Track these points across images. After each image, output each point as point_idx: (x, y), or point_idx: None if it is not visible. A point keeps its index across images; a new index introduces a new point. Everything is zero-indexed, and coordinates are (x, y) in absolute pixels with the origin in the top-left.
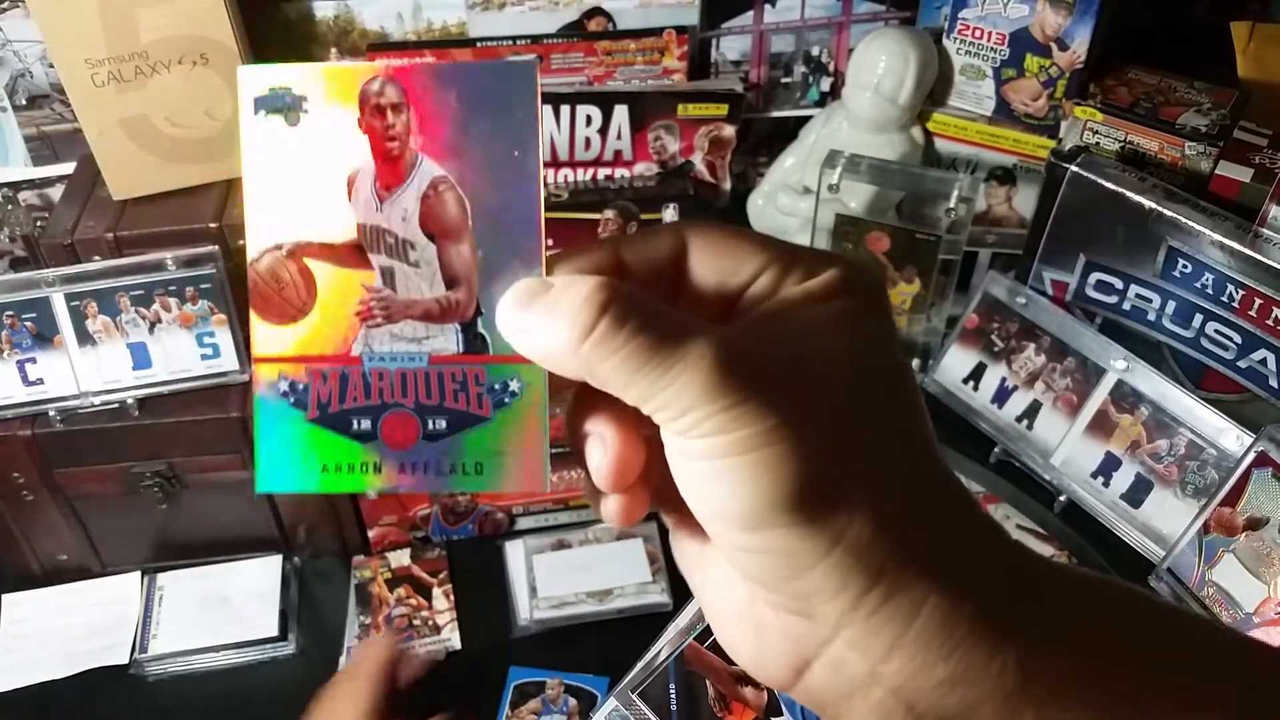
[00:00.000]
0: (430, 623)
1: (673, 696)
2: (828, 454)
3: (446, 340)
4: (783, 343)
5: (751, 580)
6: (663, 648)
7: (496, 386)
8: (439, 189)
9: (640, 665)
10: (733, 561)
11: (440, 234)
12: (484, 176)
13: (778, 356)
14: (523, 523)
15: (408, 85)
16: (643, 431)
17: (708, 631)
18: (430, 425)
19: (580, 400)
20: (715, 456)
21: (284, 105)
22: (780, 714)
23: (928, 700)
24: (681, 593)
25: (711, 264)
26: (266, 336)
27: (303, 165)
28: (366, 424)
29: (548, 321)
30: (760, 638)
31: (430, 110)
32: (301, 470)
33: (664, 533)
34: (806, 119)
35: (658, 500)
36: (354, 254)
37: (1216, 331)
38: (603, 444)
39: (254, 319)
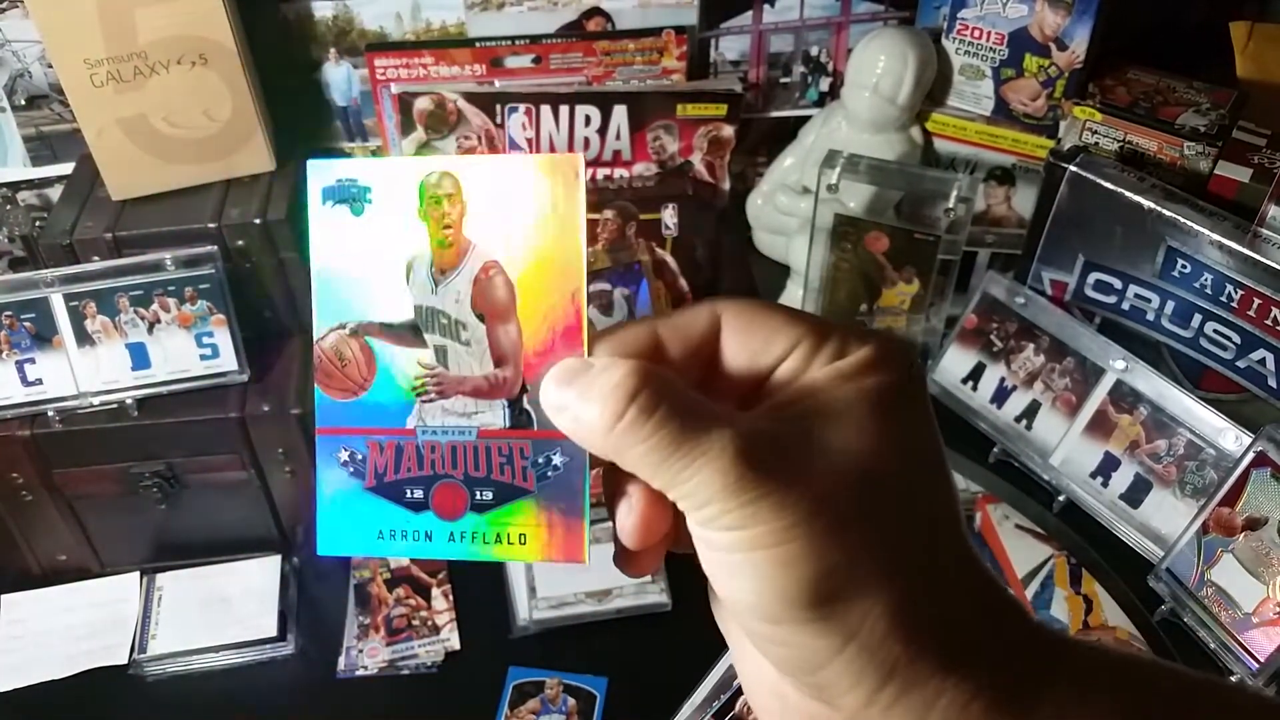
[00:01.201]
0: (429, 623)
1: None
2: (844, 551)
3: (494, 415)
4: (805, 430)
5: (776, 662)
6: None
7: (540, 460)
8: (489, 273)
9: None
10: (754, 645)
11: (489, 315)
12: (530, 262)
13: (800, 445)
14: None
15: (463, 177)
16: (669, 501)
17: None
18: (478, 496)
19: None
20: (734, 550)
21: (350, 196)
22: None
23: None
24: (681, 593)
25: (742, 341)
26: (329, 409)
27: (366, 251)
28: (419, 493)
29: (583, 403)
30: (785, 710)
31: (482, 200)
32: (360, 535)
33: None
34: (805, 119)
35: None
36: (410, 333)
37: (1215, 331)
38: (629, 506)
39: (318, 392)
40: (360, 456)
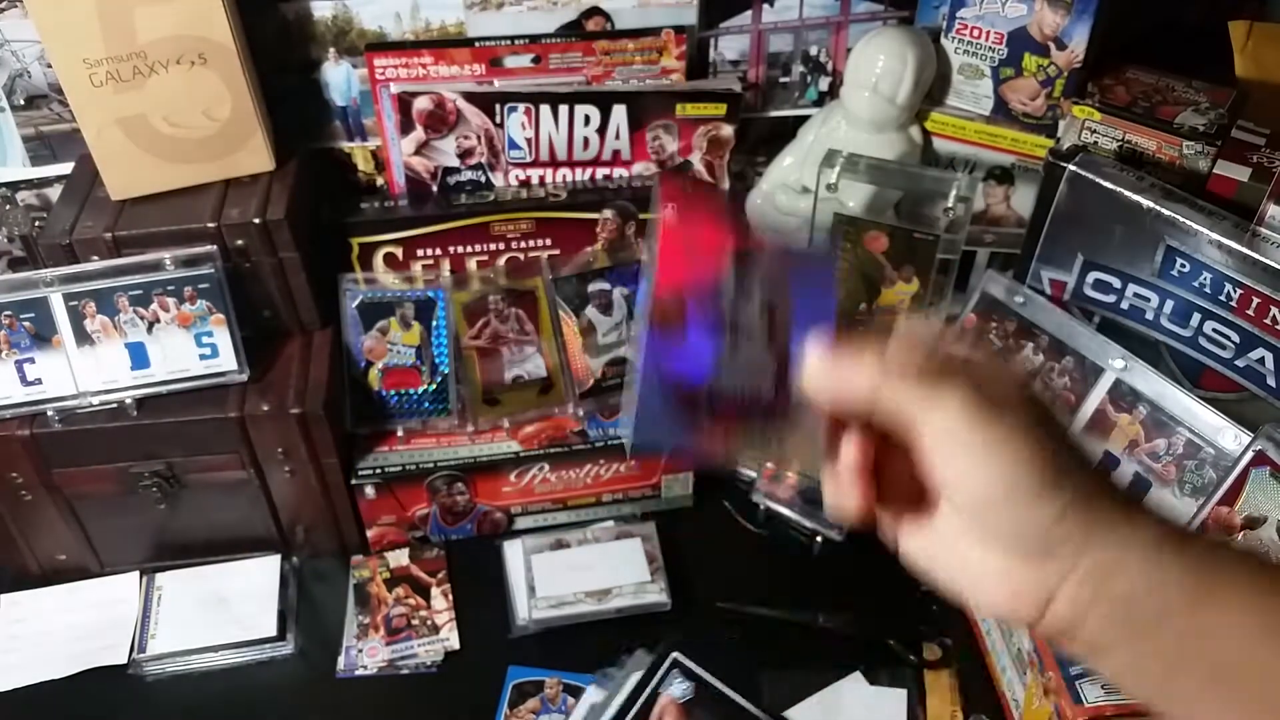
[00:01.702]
0: (429, 622)
1: None
2: (1053, 446)
3: None
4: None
5: (1008, 541)
6: None
7: None
8: None
9: None
10: (992, 531)
11: None
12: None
13: (987, 393)
14: (521, 522)
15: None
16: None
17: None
18: None
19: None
20: (990, 450)
21: None
22: None
23: (1139, 606)
24: (680, 593)
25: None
26: None
27: None
28: None
29: (851, 369)
30: (1013, 591)
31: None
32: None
33: (662, 533)
34: (805, 118)
35: (896, 516)
36: None
37: (1214, 330)
38: (850, 445)
39: None
40: None
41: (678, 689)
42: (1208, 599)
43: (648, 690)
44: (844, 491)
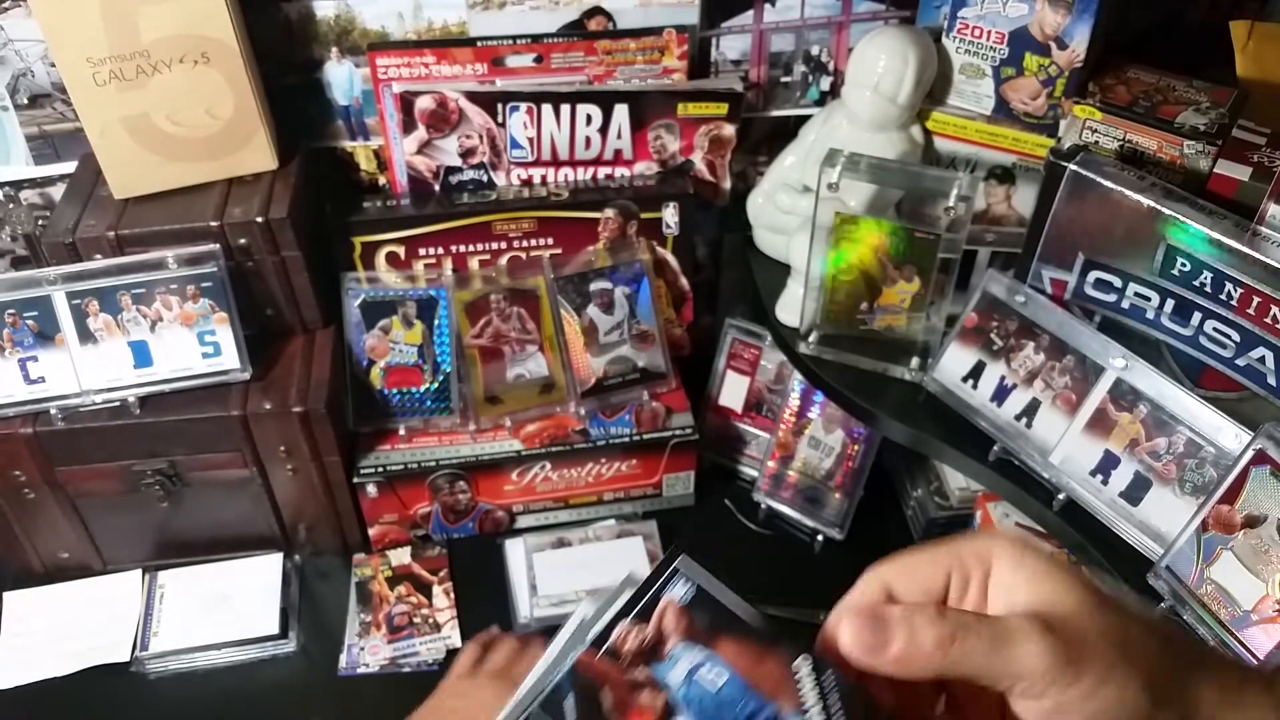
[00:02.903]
0: (430, 620)
1: (569, 712)
2: (1143, 658)
3: None
4: (1046, 606)
5: None
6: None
7: None
8: None
9: (526, 689)
10: None
11: None
12: None
13: (1056, 613)
14: (523, 521)
15: None
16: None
17: (599, 640)
18: None
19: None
20: (1084, 700)
21: None
22: (676, 715)
23: None
24: None
25: (911, 588)
26: None
27: None
28: None
29: (908, 633)
30: None
31: None
32: None
33: (663, 532)
34: (806, 118)
35: None
36: None
37: (1215, 330)
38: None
39: None
40: None
41: (680, 590)
42: None
43: (651, 591)
44: None
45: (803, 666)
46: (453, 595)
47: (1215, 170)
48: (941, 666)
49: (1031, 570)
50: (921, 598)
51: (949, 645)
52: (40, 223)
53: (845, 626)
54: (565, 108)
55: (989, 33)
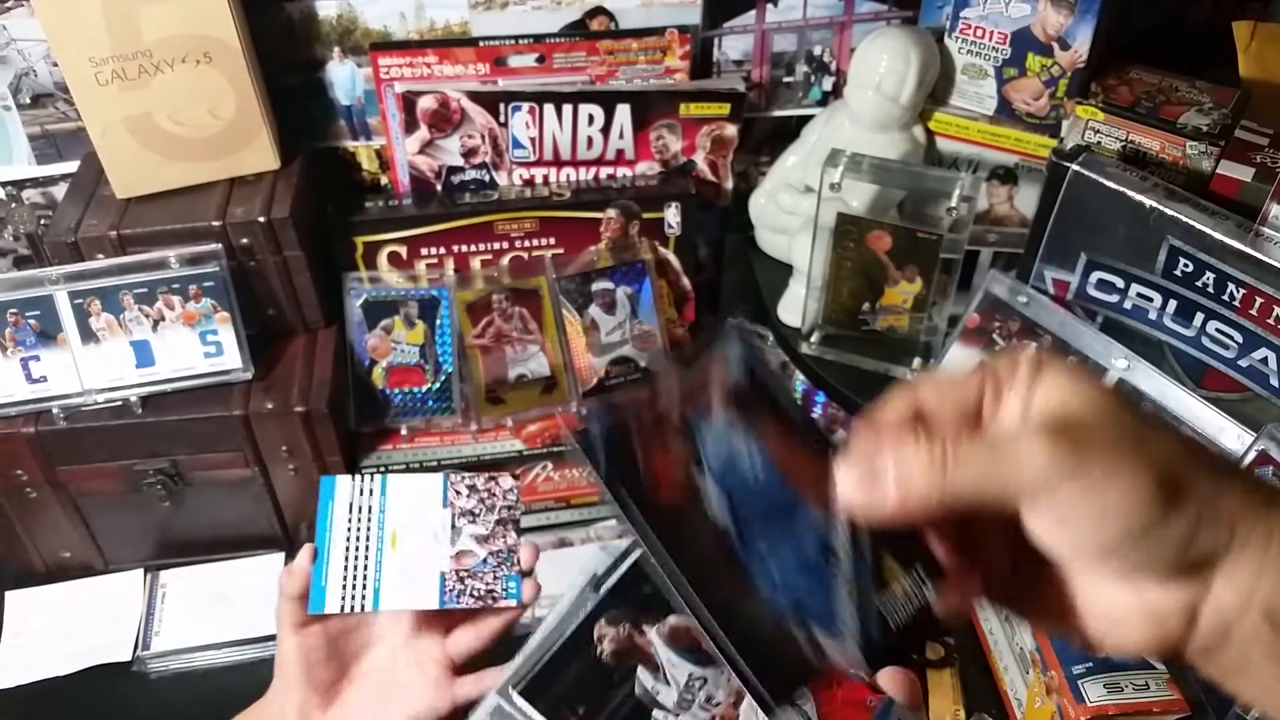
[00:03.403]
0: None
1: (597, 441)
2: (1159, 455)
3: None
4: (1061, 410)
5: (1150, 575)
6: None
7: None
8: None
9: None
10: (1131, 571)
11: None
12: None
13: (1071, 416)
14: (524, 521)
15: None
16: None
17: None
18: None
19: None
20: (1089, 497)
21: None
22: (702, 471)
23: None
24: None
25: (944, 403)
26: None
27: None
28: None
29: (903, 467)
30: (1158, 620)
31: None
32: None
33: None
34: (808, 118)
35: (1006, 602)
36: None
37: (1217, 330)
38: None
39: None
40: None
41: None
42: None
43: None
44: (957, 595)
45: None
46: None
47: (1218, 171)
48: (945, 495)
49: (1051, 378)
50: (954, 415)
51: (943, 471)
52: (43, 222)
53: (839, 484)
54: (567, 108)
55: (991, 33)
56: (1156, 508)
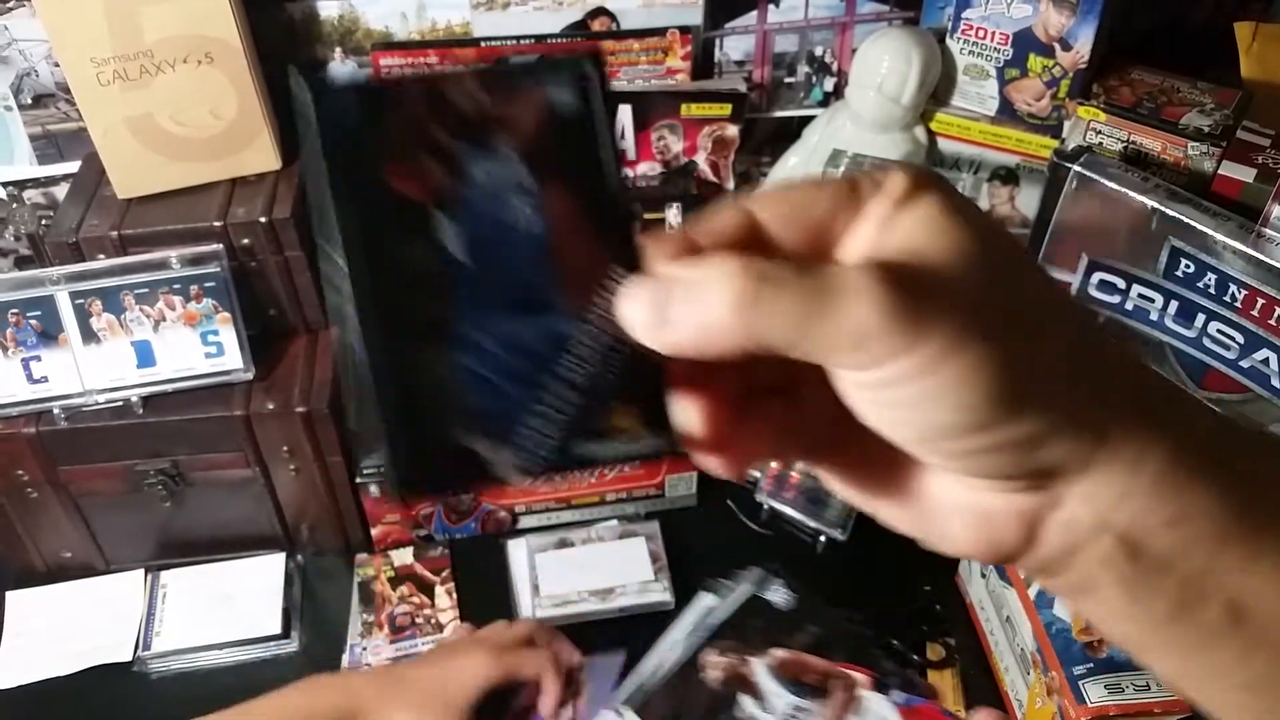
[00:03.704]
0: (433, 621)
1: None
2: (1019, 336)
3: None
4: (915, 250)
5: (980, 477)
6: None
7: None
8: None
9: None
10: (958, 469)
11: None
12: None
13: (923, 263)
14: (525, 521)
15: None
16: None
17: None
18: None
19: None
20: (914, 378)
21: None
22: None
23: (1149, 541)
24: (682, 592)
25: (789, 218)
26: None
27: None
28: None
29: (696, 303)
30: (989, 523)
31: None
32: None
33: (666, 532)
34: (810, 119)
35: (815, 458)
36: None
37: (1219, 331)
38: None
39: None
40: None
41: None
42: (1252, 538)
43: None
44: (716, 459)
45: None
46: (455, 596)
47: (1219, 172)
48: (745, 337)
49: (925, 206)
50: (799, 237)
51: (748, 308)
52: (44, 222)
53: (622, 303)
54: None
55: (993, 34)
56: (996, 406)
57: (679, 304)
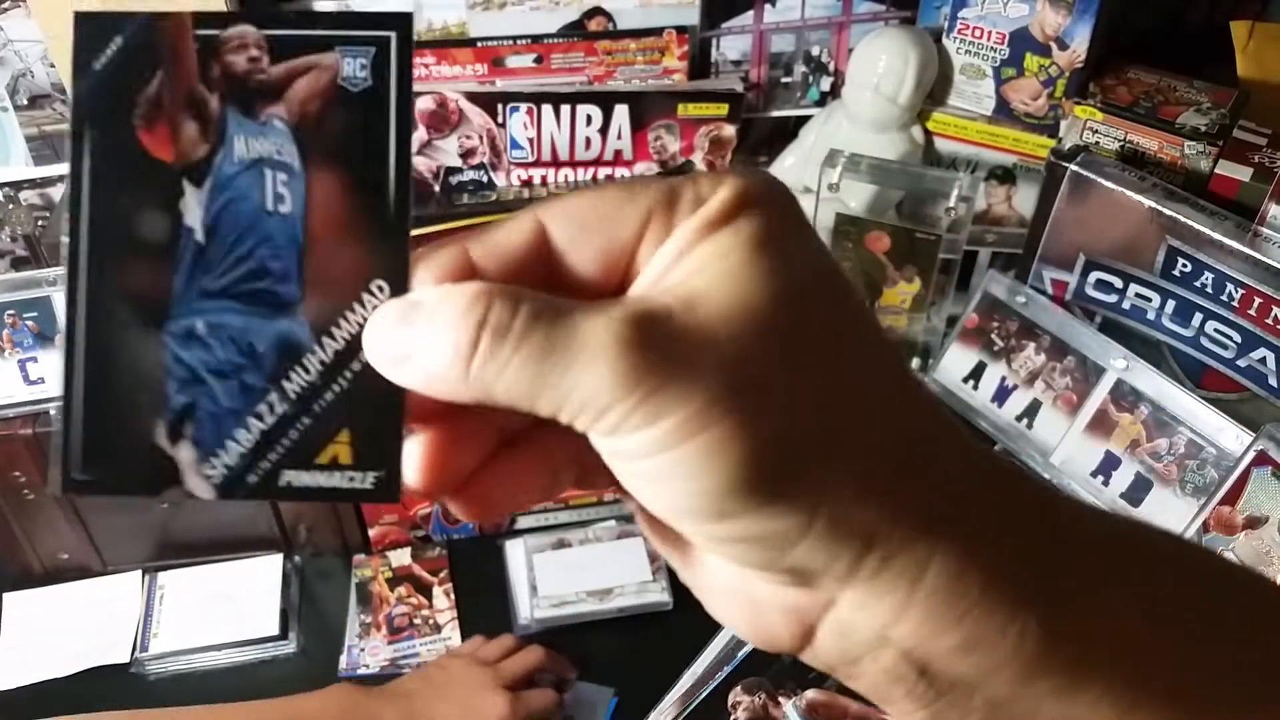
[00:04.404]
0: (431, 621)
1: None
2: (780, 418)
3: None
4: (689, 296)
5: (738, 565)
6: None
7: None
8: None
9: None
10: (714, 553)
11: None
12: None
13: (687, 314)
14: (523, 521)
15: None
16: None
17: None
18: None
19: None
20: (654, 452)
21: None
22: None
23: (940, 664)
24: (682, 592)
25: (583, 239)
26: None
27: None
28: None
29: (428, 344)
30: (757, 611)
31: None
32: None
33: None
34: (806, 118)
35: (617, 490)
36: None
37: (1216, 330)
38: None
39: None
40: None
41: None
42: (1070, 669)
43: None
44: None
45: None
46: (453, 596)
47: (1216, 171)
48: (472, 391)
49: (731, 239)
50: (592, 259)
51: (471, 362)
52: (40, 223)
53: (369, 325)
54: (565, 108)
55: (989, 33)
56: (735, 496)
57: (418, 340)
